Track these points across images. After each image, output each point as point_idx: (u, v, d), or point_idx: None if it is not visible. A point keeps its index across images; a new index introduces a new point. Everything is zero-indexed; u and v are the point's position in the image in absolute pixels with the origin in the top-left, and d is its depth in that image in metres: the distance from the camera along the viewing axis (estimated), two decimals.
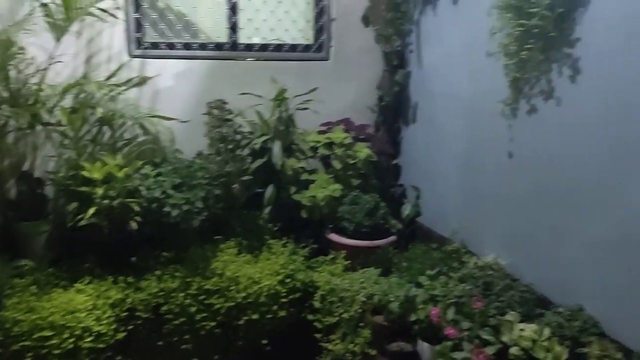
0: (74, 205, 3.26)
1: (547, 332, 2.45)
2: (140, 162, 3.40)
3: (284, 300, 3.33)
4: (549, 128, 2.81)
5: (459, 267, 3.11)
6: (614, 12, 2.43)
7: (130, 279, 3.22)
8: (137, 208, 3.20)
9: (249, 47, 4.00)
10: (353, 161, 3.83)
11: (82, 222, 3.14)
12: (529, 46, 2.76)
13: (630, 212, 2.39)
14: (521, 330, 2.47)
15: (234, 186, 3.67)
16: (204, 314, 3.21)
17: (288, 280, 3.37)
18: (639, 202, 2.35)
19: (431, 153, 3.85)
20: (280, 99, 3.76)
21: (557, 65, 2.73)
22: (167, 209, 3.21)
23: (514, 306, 2.69)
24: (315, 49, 4.14)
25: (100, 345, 2.96)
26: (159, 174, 3.37)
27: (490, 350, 2.35)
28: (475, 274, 2.95)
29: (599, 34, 2.50)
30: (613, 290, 2.49)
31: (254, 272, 3.35)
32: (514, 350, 2.38)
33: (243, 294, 3.25)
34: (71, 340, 2.89)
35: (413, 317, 2.70)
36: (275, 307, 3.31)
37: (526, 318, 2.63)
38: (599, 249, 2.56)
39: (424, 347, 2.62)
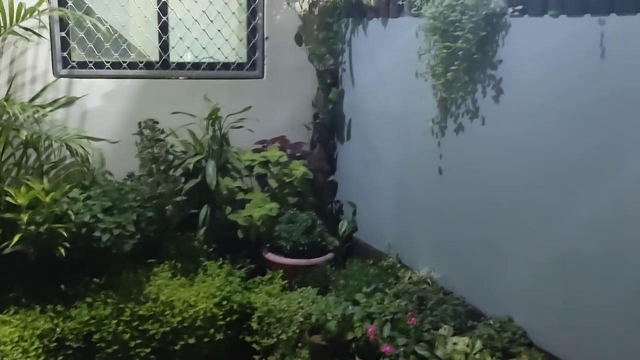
0: None
1: (478, 344, 2.53)
2: (68, 186, 3.29)
3: (221, 323, 3.28)
4: (475, 146, 2.92)
5: (395, 283, 3.17)
6: (532, 36, 2.56)
7: (59, 308, 3.10)
8: (65, 234, 3.08)
9: (181, 66, 3.95)
10: (289, 179, 3.83)
11: (7, 250, 3.00)
12: (454, 67, 2.86)
13: (549, 225, 2.52)
14: (454, 344, 2.54)
15: (167, 207, 3.59)
16: (139, 341, 3.13)
17: (225, 302, 3.33)
18: (558, 214, 2.47)
19: (366, 169, 3.92)
20: (213, 117, 3.72)
21: (482, 86, 2.84)
22: (97, 233, 3.11)
23: (447, 320, 2.77)
24: (249, 67, 4.14)
25: None
26: (88, 198, 3.26)
27: None
28: (410, 289, 3.01)
29: (520, 56, 2.63)
30: (540, 301, 2.61)
31: (189, 295, 3.29)
32: None
33: (178, 318, 3.18)
34: None
35: (350, 336, 2.72)
36: (212, 331, 3.25)
37: (459, 331, 2.71)
38: (525, 261, 2.67)
39: None
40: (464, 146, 3.00)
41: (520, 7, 2.59)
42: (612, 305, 2.28)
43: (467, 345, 2.52)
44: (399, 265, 3.43)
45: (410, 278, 3.20)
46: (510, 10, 2.64)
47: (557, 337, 2.52)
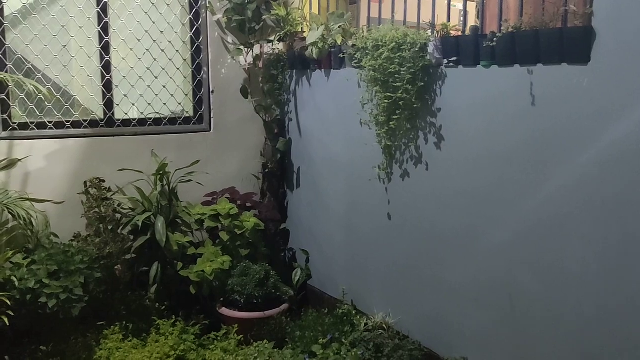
0: None
1: None
2: (11, 251, 3.17)
3: None
4: (421, 190, 3.00)
5: (351, 331, 3.16)
6: (466, 85, 2.69)
7: None
8: (8, 302, 2.96)
9: (127, 123, 3.93)
10: (241, 231, 3.81)
11: None
12: (396, 116, 2.96)
13: (494, 266, 2.59)
14: None
15: (116, 267, 3.52)
16: None
17: None
18: (501, 254, 2.55)
19: (316, 216, 3.94)
20: (161, 173, 3.69)
21: (423, 133, 2.94)
22: (43, 299, 3.01)
23: None
24: (196, 120, 4.15)
25: None
26: (32, 262, 3.16)
27: None
28: (366, 337, 3.02)
29: (457, 104, 2.75)
30: (491, 341, 2.65)
31: (142, 357, 3.20)
32: None
33: None
34: None
35: None
36: None
37: None
38: (475, 302, 2.73)
39: None
40: (410, 191, 3.07)
41: (454, 58, 2.72)
42: (559, 342, 2.35)
43: None
44: (354, 312, 3.43)
45: (366, 324, 3.21)
46: (445, 61, 2.77)
47: None
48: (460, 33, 2.82)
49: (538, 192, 2.38)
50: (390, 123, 3.02)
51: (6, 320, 2.94)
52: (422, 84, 2.85)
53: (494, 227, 2.60)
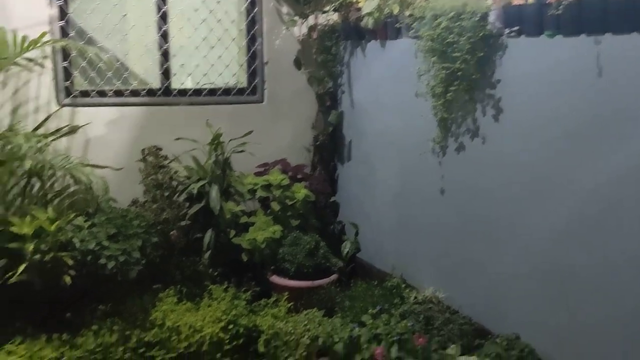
0: (2, 262, 3.12)
1: None
2: (73, 214, 3.30)
3: (227, 347, 3.26)
4: (476, 164, 2.95)
5: (400, 303, 3.17)
6: (528, 55, 2.61)
7: (65, 336, 3.09)
8: (70, 262, 3.09)
9: (183, 92, 4.00)
10: (291, 202, 3.85)
11: (12, 280, 3.00)
12: (454, 88, 2.90)
13: (552, 243, 2.54)
14: None
15: (171, 233, 3.61)
16: None
17: (231, 326, 3.32)
18: (560, 232, 2.49)
19: (367, 190, 3.94)
20: (215, 142, 3.76)
21: (481, 106, 2.88)
22: (102, 260, 3.12)
23: (455, 339, 2.77)
24: (250, 92, 4.19)
25: None
26: (92, 225, 3.27)
27: None
28: (416, 309, 3.02)
29: (518, 75, 2.67)
30: (545, 318, 2.61)
31: (195, 320, 3.28)
32: None
33: (185, 344, 3.17)
34: None
35: (358, 358, 2.72)
36: (218, 355, 3.24)
37: (467, 350, 2.71)
38: (527, 277, 2.68)
39: None
40: (465, 165, 3.03)
41: (516, 27, 2.64)
42: (611, 322, 2.29)
43: None
44: (403, 285, 3.43)
45: (415, 298, 3.20)
46: (506, 31, 2.69)
47: (564, 354, 2.52)
48: (523, 1, 2.72)
49: (599, 170, 2.30)
50: (447, 95, 2.97)
51: (68, 279, 3.07)
52: (482, 54, 2.78)
53: (551, 204, 2.53)
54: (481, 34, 2.76)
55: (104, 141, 3.71)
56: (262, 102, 4.20)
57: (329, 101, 4.20)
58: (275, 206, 3.83)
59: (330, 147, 4.25)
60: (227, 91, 4.13)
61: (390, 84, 3.59)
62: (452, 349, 2.66)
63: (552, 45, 2.48)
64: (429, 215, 3.32)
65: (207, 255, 3.69)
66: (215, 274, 3.68)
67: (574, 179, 2.42)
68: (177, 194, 3.72)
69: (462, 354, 2.63)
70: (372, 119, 3.83)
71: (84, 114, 3.67)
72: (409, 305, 3.07)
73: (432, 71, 3.05)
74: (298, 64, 4.16)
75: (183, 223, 3.71)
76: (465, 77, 2.86)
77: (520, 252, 2.71)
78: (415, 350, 2.64)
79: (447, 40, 2.84)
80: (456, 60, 2.83)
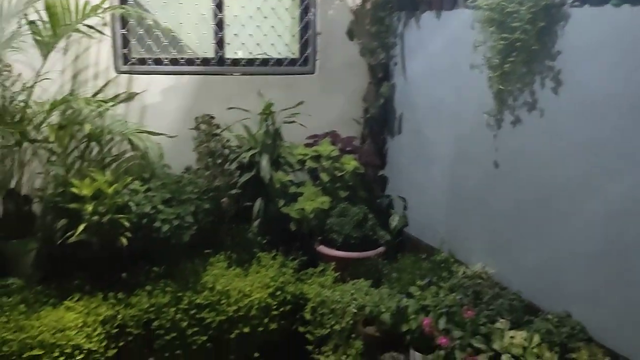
0: (62, 222, 3.25)
1: (536, 338, 2.50)
2: (129, 178, 3.40)
3: (275, 312, 3.34)
4: (533, 138, 2.87)
5: (449, 277, 3.15)
6: (592, 25, 2.51)
7: (120, 295, 3.21)
8: (126, 224, 3.19)
9: (236, 62, 4.03)
10: (340, 173, 3.86)
11: (72, 239, 3.13)
12: (511, 59, 2.83)
13: (610, 221, 2.46)
14: (511, 337, 2.51)
15: (222, 200, 3.68)
16: (195, 329, 3.22)
17: (278, 292, 3.39)
18: (619, 209, 2.42)
19: (417, 164, 3.90)
20: (267, 113, 3.79)
21: (540, 77, 2.80)
22: (157, 224, 3.21)
23: (504, 314, 2.74)
24: (301, 62, 4.19)
25: None
26: (148, 190, 3.37)
27: (482, 358, 2.39)
28: (465, 283, 2.99)
29: (580, 47, 2.58)
30: (599, 296, 2.55)
31: (244, 285, 3.36)
32: (505, 358, 2.43)
33: (234, 307, 3.26)
34: (61, 358, 2.88)
35: (405, 328, 2.73)
36: (266, 320, 3.32)
37: (516, 325, 2.68)
38: (583, 256, 2.62)
39: (416, 356, 2.64)
40: (521, 139, 2.96)
41: None
42: None
43: (525, 339, 2.49)
44: (452, 260, 3.41)
45: (464, 273, 3.17)
46: (570, 0, 2.60)
47: (618, 333, 2.47)
48: None
49: None
50: (505, 66, 2.90)
51: (125, 240, 3.18)
52: (543, 24, 2.69)
53: (611, 181, 2.45)
54: (543, 3, 2.66)
55: (159, 109, 3.79)
56: (313, 73, 4.20)
57: (381, 73, 4.15)
58: (325, 177, 3.84)
59: (380, 119, 4.21)
60: (279, 62, 4.14)
61: (445, 56, 3.52)
62: (501, 324, 2.63)
63: (618, 14, 2.38)
64: (482, 190, 3.27)
65: (256, 223, 3.75)
66: (264, 242, 3.74)
67: (635, 155, 2.33)
68: (228, 163, 3.77)
69: (511, 329, 2.60)
70: (425, 91, 3.78)
71: (140, 82, 3.75)
72: (458, 279, 3.05)
73: (490, 42, 2.97)
74: (351, 35, 4.13)
75: (234, 191, 3.77)
76: (524, 48, 2.78)
77: (577, 229, 2.65)
78: (463, 322, 2.63)
79: (507, 10, 2.76)
80: (515, 30, 2.75)
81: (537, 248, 2.89)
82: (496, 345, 2.49)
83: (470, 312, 2.66)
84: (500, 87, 2.99)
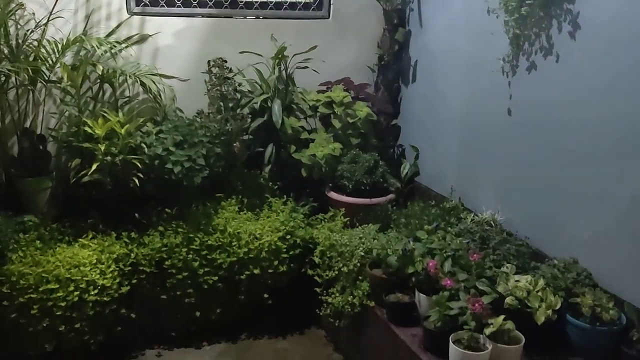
0: (76, 161, 3.31)
1: (541, 283, 2.52)
2: (142, 120, 3.42)
3: (284, 255, 3.40)
4: (548, 85, 2.83)
5: (457, 223, 3.16)
6: None
7: (133, 235, 3.28)
8: (139, 165, 3.23)
9: (249, 5, 3.97)
10: (353, 120, 3.84)
11: (85, 179, 3.18)
12: (529, 2, 2.76)
13: (621, 166, 2.44)
14: (516, 281, 2.54)
15: (234, 145, 3.69)
16: (207, 269, 3.28)
17: (288, 236, 3.43)
18: (631, 157, 2.39)
19: (431, 112, 3.87)
20: (279, 57, 3.75)
21: (557, 22, 2.74)
22: (169, 165, 3.24)
23: (510, 259, 2.76)
24: (315, 6, 4.11)
25: (105, 298, 3.05)
26: (160, 132, 3.39)
27: (486, 300, 2.42)
28: (472, 229, 3.01)
29: None
30: (607, 242, 2.55)
31: (255, 228, 3.41)
32: (509, 300, 2.45)
33: (244, 250, 3.32)
34: (76, 293, 2.97)
35: (410, 270, 2.75)
36: (276, 263, 3.38)
37: (521, 270, 2.70)
38: (592, 203, 2.61)
39: (421, 298, 2.68)
40: (536, 85, 2.91)
41: None
42: None
43: (530, 283, 2.51)
44: (461, 207, 3.42)
45: (472, 219, 3.19)
46: None
47: (624, 280, 2.48)
48: None
49: None
50: (522, 9, 2.84)
51: (137, 181, 3.23)
52: None
53: (628, 126, 2.42)
54: None
55: (171, 51, 3.77)
56: (327, 18, 4.13)
57: (396, 19, 4.07)
58: (337, 123, 3.83)
59: (395, 67, 4.16)
60: (292, 5, 4.07)
61: (461, 1, 3.45)
62: (506, 268, 2.65)
63: None
64: (494, 138, 3.25)
65: (267, 169, 3.77)
66: (275, 187, 3.77)
67: None
68: (240, 107, 3.77)
69: (517, 274, 2.62)
70: (440, 37, 3.72)
71: (152, 23, 3.71)
72: (466, 225, 3.06)
73: None
74: None
75: (245, 136, 3.78)
76: None
77: (589, 174, 2.63)
78: (469, 266, 2.65)
79: None
80: None
81: (545, 195, 2.89)
82: (501, 288, 2.51)
83: (476, 256, 2.68)
84: (517, 31, 2.93)
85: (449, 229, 3.03)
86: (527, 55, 2.95)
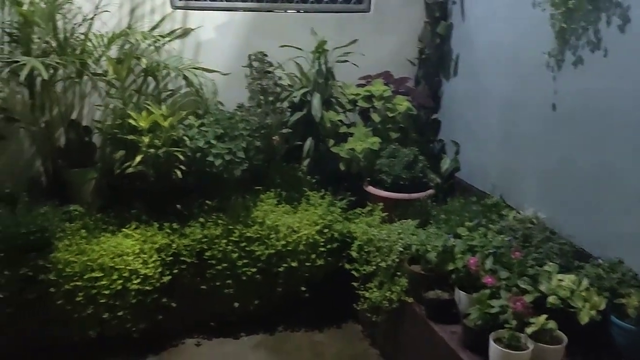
0: (120, 153, 3.38)
1: (585, 282, 2.47)
2: (184, 113, 3.47)
3: (322, 249, 3.41)
4: (596, 79, 2.76)
5: (498, 220, 3.12)
6: None
7: (175, 225, 3.33)
8: (181, 157, 3.28)
9: None
10: (392, 114, 3.81)
11: (129, 170, 3.25)
12: None
13: None
14: (559, 280, 2.49)
15: (273, 138, 3.71)
16: (245, 261, 3.32)
17: (326, 230, 3.44)
18: None
19: (472, 107, 3.82)
20: (319, 51, 3.75)
21: (606, 15, 2.66)
22: (210, 158, 3.28)
23: (553, 258, 2.71)
24: (356, 0, 4.09)
25: (147, 288, 3.11)
26: (202, 125, 3.43)
27: (528, 298, 2.38)
28: (514, 226, 2.96)
29: None
30: None
31: (293, 221, 3.43)
32: (551, 299, 2.41)
33: (283, 242, 3.34)
34: (120, 281, 3.04)
35: (450, 267, 2.73)
36: (313, 256, 3.39)
37: (565, 269, 2.65)
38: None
39: (461, 295, 2.65)
40: (582, 80, 2.84)
41: None
42: None
43: (573, 283, 2.46)
44: (503, 204, 3.37)
45: (514, 217, 3.14)
46: None
47: None
48: None
49: None
50: (569, 3, 2.77)
51: (179, 173, 3.28)
52: None
53: None
54: None
55: (213, 45, 3.81)
56: (368, 11, 4.10)
57: (438, 12, 4.02)
58: (376, 117, 3.81)
59: (436, 61, 4.11)
60: None
61: None
62: (549, 267, 2.60)
63: None
64: (538, 134, 3.19)
65: (306, 162, 3.79)
66: (313, 181, 3.78)
67: None
68: (280, 101, 3.79)
69: (560, 273, 2.57)
70: (483, 31, 3.66)
71: (195, 17, 3.75)
72: (507, 222, 3.02)
73: None
74: None
75: (284, 130, 3.80)
76: None
77: (633, 174, 2.56)
78: (510, 263, 2.62)
79: None
80: None
81: (591, 194, 2.82)
82: (543, 287, 2.47)
83: (518, 254, 2.64)
84: (563, 25, 2.87)
85: (490, 226, 2.99)
86: (574, 50, 2.87)
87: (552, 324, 2.32)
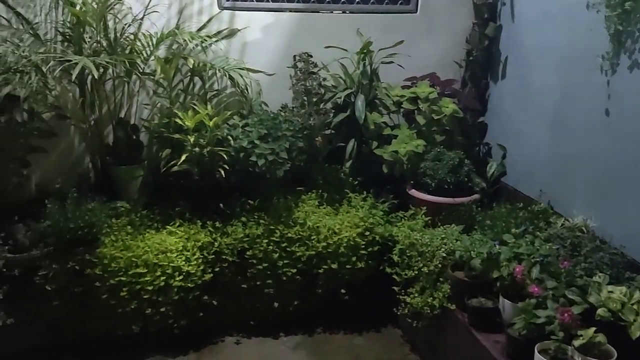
0: (167, 151, 3.43)
1: (637, 295, 2.36)
2: (229, 113, 3.50)
3: (362, 252, 3.39)
4: None
5: (546, 228, 3.03)
6: None
7: (217, 224, 3.37)
8: (225, 156, 3.31)
9: (336, 0, 3.97)
10: (438, 117, 3.75)
11: (175, 168, 3.30)
12: None
13: None
14: (609, 292, 2.39)
15: (316, 139, 3.71)
16: (286, 261, 3.33)
17: (367, 233, 3.42)
18: None
19: (520, 111, 3.73)
20: (365, 52, 3.72)
21: None
22: (253, 158, 3.30)
23: (603, 268, 2.61)
24: (403, 1, 4.05)
25: (189, 285, 3.15)
26: (246, 125, 3.46)
27: (576, 310, 2.30)
28: (563, 234, 2.87)
29: None
30: None
31: (334, 223, 3.42)
32: (601, 312, 2.32)
33: (323, 244, 3.33)
34: (163, 278, 3.09)
35: (495, 274, 2.66)
36: (354, 258, 3.37)
37: (615, 281, 2.55)
38: None
39: (505, 303, 2.59)
40: (638, 85, 2.73)
41: None
42: None
43: (624, 295, 2.36)
44: (550, 211, 3.28)
45: (563, 224, 3.04)
46: None
47: None
48: None
49: None
50: (626, 4, 2.67)
51: (223, 172, 3.31)
52: None
53: None
54: None
55: (258, 45, 3.83)
56: (415, 12, 4.05)
57: (486, 13, 3.94)
58: (421, 120, 3.76)
59: (483, 63, 4.03)
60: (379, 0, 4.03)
61: None
62: (599, 277, 2.51)
63: None
64: (590, 139, 3.08)
65: (348, 164, 3.77)
66: (355, 183, 3.76)
67: None
68: (324, 102, 3.78)
69: (610, 284, 2.47)
70: (533, 33, 3.56)
71: (241, 18, 3.78)
72: (556, 230, 2.93)
73: None
74: None
75: (328, 131, 3.79)
76: None
77: None
78: (558, 273, 2.54)
79: None
80: None
81: None
82: (592, 299, 2.38)
83: (567, 263, 2.56)
84: (619, 27, 2.76)
85: (538, 233, 2.91)
86: (630, 53, 2.77)
87: (601, 338, 2.23)
